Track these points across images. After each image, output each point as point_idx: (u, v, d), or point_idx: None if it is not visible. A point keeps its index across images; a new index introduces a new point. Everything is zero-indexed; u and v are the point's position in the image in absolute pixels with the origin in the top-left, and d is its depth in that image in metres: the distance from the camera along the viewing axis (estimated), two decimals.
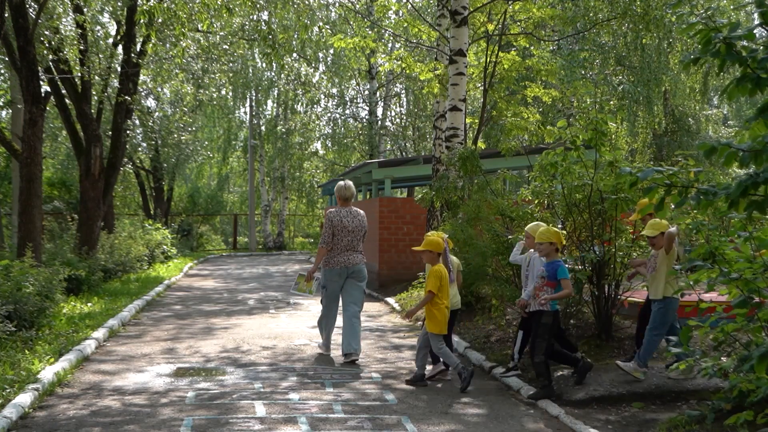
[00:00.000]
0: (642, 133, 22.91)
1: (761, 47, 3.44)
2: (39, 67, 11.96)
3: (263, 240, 32.12)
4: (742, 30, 3.45)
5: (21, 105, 13.35)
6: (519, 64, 14.02)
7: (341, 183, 8.28)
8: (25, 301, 8.38)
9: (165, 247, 21.23)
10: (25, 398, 5.92)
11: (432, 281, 6.77)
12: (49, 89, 13.51)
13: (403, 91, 30.80)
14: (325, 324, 8.41)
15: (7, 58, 12.62)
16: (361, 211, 8.23)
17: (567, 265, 7.05)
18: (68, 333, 8.76)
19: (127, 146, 18.35)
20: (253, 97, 31.64)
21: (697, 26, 3.53)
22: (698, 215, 5.45)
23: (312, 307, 12.25)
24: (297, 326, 10.57)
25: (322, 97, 31.54)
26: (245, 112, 34.40)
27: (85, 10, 14.02)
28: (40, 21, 11.74)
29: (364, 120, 30.81)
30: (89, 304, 11.34)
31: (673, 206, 3.72)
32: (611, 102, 19.07)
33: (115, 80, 15.32)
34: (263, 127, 32.66)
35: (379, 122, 30.60)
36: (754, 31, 3.51)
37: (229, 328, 10.41)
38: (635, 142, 22.86)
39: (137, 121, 21.52)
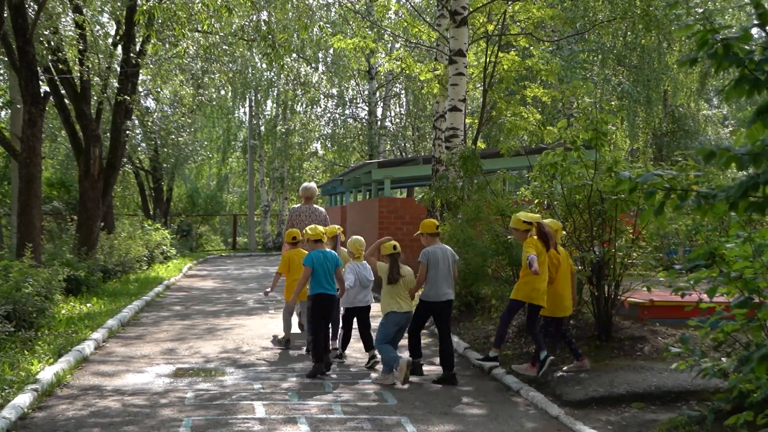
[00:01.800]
0: (642, 134, 22.91)
1: (759, 48, 3.44)
2: (38, 67, 11.95)
3: (263, 240, 32.11)
4: (738, 31, 3.44)
5: (20, 105, 13.34)
6: (519, 65, 14.02)
7: (305, 184, 9.71)
8: (24, 301, 8.38)
9: (164, 247, 21.21)
10: (24, 399, 5.92)
11: (281, 264, 8.64)
12: (48, 89, 13.49)
13: (403, 92, 30.81)
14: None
15: (6, 58, 12.61)
16: (321, 208, 9.53)
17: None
18: (67, 333, 8.76)
19: (127, 146, 18.33)
20: (253, 98, 31.63)
21: (694, 27, 3.52)
22: (698, 217, 5.44)
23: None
24: (296, 326, 10.54)
25: (322, 97, 31.55)
26: (245, 113, 34.43)
27: (84, 10, 14.00)
28: (39, 21, 11.74)
29: (364, 120, 30.82)
30: (88, 305, 11.33)
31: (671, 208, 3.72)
32: (612, 102, 19.07)
33: (115, 80, 15.31)
34: (263, 128, 32.65)
35: (379, 122, 30.61)
36: (752, 32, 3.51)
37: (229, 328, 10.40)
38: (635, 143, 22.86)
39: (136, 122, 21.50)
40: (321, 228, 7.61)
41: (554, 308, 6.85)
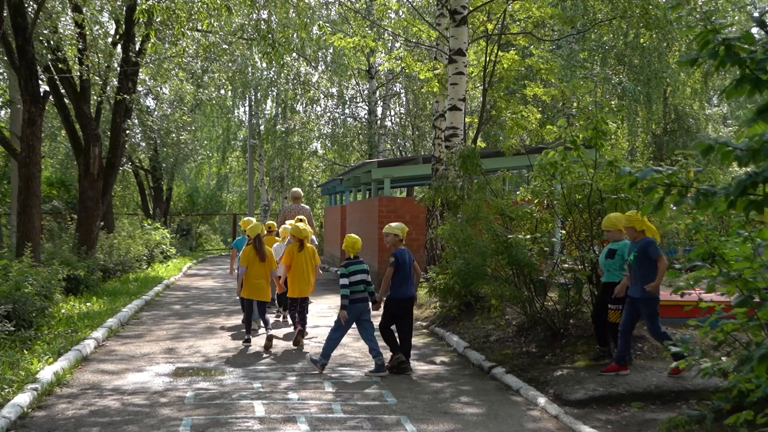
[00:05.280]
0: (642, 133, 22.91)
1: (759, 48, 3.43)
2: (38, 67, 11.94)
3: None
4: (738, 32, 3.44)
5: (20, 104, 13.33)
6: (518, 64, 14.00)
7: (293, 189, 12.31)
8: (24, 300, 8.38)
9: (164, 246, 21.21)
10: (24, 398, 5.92)
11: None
12: (47, 89, 13.48)
13: (403, 91, 30.78)
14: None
15: (6, 58, 12.60)
16: (306, 206, 12.09)
17: (567, 265, 7.07)
18: (67, 333, 8.75)
19: (126, 146, 18.31)
20: (253, 97, 31.60)
21: (696, 28, 3.52)
22: (698, 215, 5.45)
23: (311, 306, 12.21)
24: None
25: (322, 96, 31.51)
26: (244, 112, 34.38)
27: (84, 9, 13.99)
28: (38, 20, 11.72)
29: (364, 119, 30.80)
30: (88, 304, 11.33)
31: (673, 206, 3.73)
32: (612, 102, 19.07)
33: (114, 79, 15.30)
34: (262, 127, 32.62)
35: (379, 122, 30.58)
36: (753, 32, 3.52)
37: (229, 327, 10.40)
38: (635, 142, 22.85)
39: (136, 121, 21.49)
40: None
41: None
